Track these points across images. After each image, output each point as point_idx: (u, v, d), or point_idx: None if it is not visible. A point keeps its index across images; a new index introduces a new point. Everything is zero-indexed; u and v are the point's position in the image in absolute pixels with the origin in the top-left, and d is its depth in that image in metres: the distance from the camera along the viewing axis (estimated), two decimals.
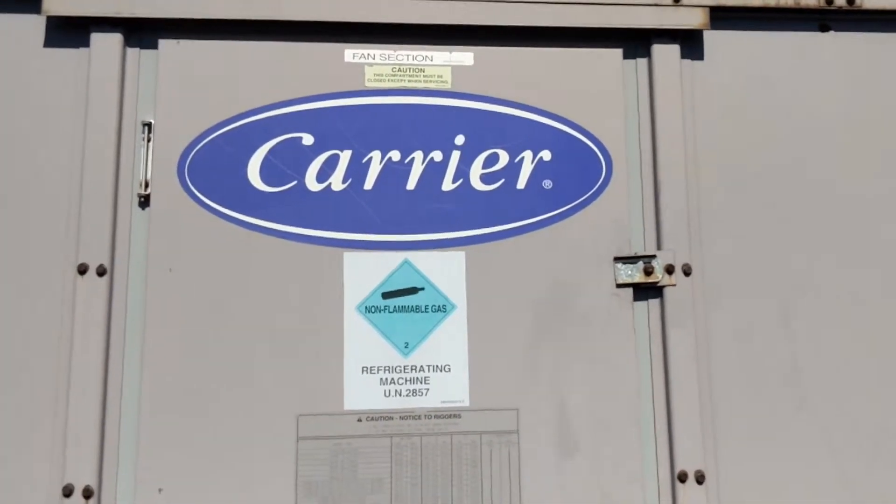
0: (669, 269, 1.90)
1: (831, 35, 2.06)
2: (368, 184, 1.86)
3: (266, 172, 1.84)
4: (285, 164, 1.85)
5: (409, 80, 1.92)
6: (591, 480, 1.79)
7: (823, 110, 2.02)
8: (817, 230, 1.97)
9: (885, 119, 2.03)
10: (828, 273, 1.95)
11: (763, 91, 2.01)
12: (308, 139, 1.87)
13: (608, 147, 1.93)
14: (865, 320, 1.93)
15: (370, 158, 1.88)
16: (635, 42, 2.01)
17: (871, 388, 1.91)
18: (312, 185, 1.85)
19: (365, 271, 1.83)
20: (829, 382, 1.90)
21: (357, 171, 1.87)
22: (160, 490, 1.71)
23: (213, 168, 1.83)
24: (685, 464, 1.81)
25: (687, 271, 1.91)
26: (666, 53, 1.98)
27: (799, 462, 1.86)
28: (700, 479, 1.81)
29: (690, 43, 2.02)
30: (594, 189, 1.92)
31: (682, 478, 1.80)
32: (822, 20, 2.07)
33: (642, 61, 2.00)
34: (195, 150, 1.83)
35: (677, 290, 1.90)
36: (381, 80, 1.92)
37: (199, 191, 1.82)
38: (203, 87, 1.86)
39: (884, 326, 1.93)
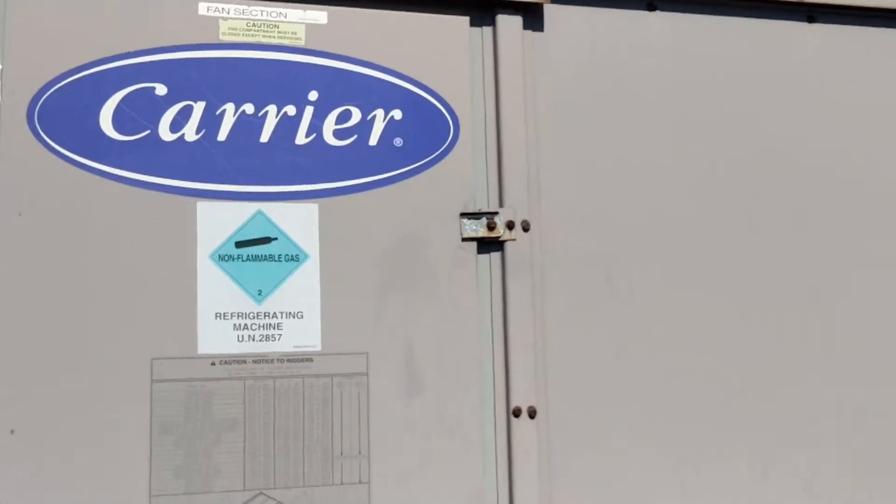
0: (510, 225, 2.18)
1: (657, 14, 2.39)
2: (222, 135, 2.03)
3: (118, 121, 1.97)
4: (138, 113, 1.99)
5: (263, 36, 2.09)
6: (435, 417, 2.05)
7: (650, 84, 2.35)
8: (643, 194, 2.30)
9: (706, 92, 2.38)
10: (650, 232, 2.28)
11: (596, 64, 2.32)
12: (161, 89, 2.01)
13: (455, 109, 2.18)
14: (681, 275, 2.28)
15: (224, 110, 2.04)
16: (482, 12, 2.26)
17: (686, 339, 2.26)
18: (166, 134, 2.00)
19: (218, 221, 2.00)
20: (647, 334, 2.24)
21: (211, 122, 2.03)
22: (12, 431, 1.82)
23: (64, 115, 1.94)
24: (519, 400, 2.10)
25: (526, 227, 2.19)
26: (509, 24, 2.25)
27: (618, 401, 2.20)
28: (532, 414, 2.10)
29: (532, 16, 2.30)
30: (442, 148, 2.16)
31: (517, 413, 2.10)
32: (650, 0, 2.41)
33: (487, 30, 2.26)
34: (46, 96, 1.93)
35: (517, 245, 2.18)
36: (235, 34, 2.08)
37: (49, 137, 1.92)
38: (54, 33, 1.96)
39: (698, 282, 2.29)
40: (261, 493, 1.93)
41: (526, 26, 2.29)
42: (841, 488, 2.31)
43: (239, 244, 2.01)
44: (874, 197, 2.46)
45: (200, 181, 2.00)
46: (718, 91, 2.40)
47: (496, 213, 2.17)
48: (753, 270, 2.34)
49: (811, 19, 2.53)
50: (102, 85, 1.97)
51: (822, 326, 2.36)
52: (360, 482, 1.99)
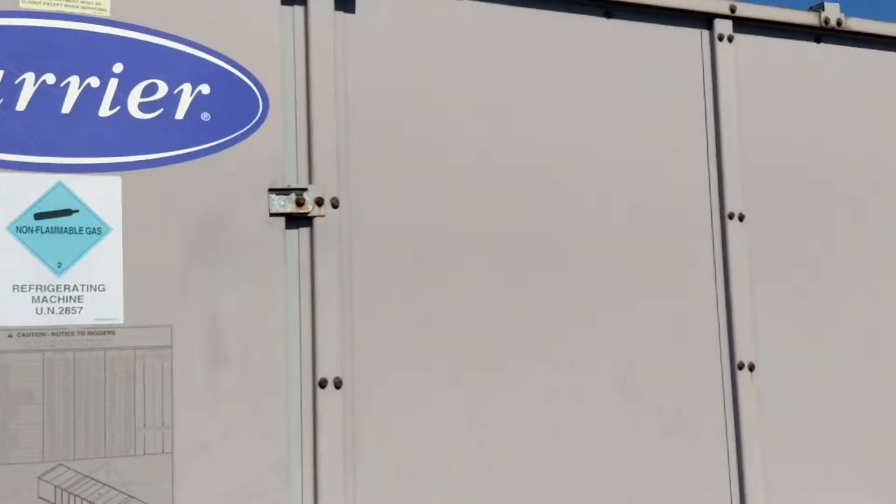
0: (319, 202, 2.32)
1: (465, 3, 2.59)
2: (21, 105, 2.06)
3: None
4: None
5: (65, 5, 2.13)
6: (240, 389, 2.17)
7: (455, 70, 2.54)
8: (449, 173, 2.49)
9: (508, 81, 2.60)
10: (455, 209, 2.48)
11: (405, 48, 2.50)
12: None
13: (265, 86, 2.30)
14: (484, 249, 2.50)
15: (23, 80, 2.07)
16: None
17: (488, 307, 2.48)
18: None
19: (16, 192, 2.03)
20: (453, 304, 2.45)
21: (9, 91, 2.05)
22: None
23: None
24: (325, 372, 2.26)
25: (335, 204, 2.34)
26: (320, 4, 2.38)
27: (424, 370, 2.39)
28: (338, 384, 2.26)
29: None
30: (251, 124, 2.27)
31: (322, 384, 2.25)
32: None
33: (299, 9, 2.39)
34: None
35: (326, 221, 2.33)
36: (35, 3, 2.11)
37: None
38: None
39: (497, 255, 2.51)
40: (60, 464, 1.99)
41: (337, 7, 2.42)
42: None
43: (38, 216, 2.05)
44: (659, 183, 2.76)
45: None
46: (519, 81, 2.62)
47: (305, 190, 2.31)
48: (544, 242, 2.58)
49: (608, 15, 2.80)
50: None
51: (601, 296, 2.64)
52: (162, 452, 2.08)
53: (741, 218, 2.84)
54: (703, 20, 2.92)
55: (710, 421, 2.71)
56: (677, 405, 2.67)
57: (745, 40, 2.97)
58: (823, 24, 3.06)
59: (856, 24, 3.14)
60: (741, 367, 2.75)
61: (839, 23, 3.08)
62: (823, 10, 3.08)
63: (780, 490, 2.76)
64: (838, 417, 2.90)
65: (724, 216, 2.83)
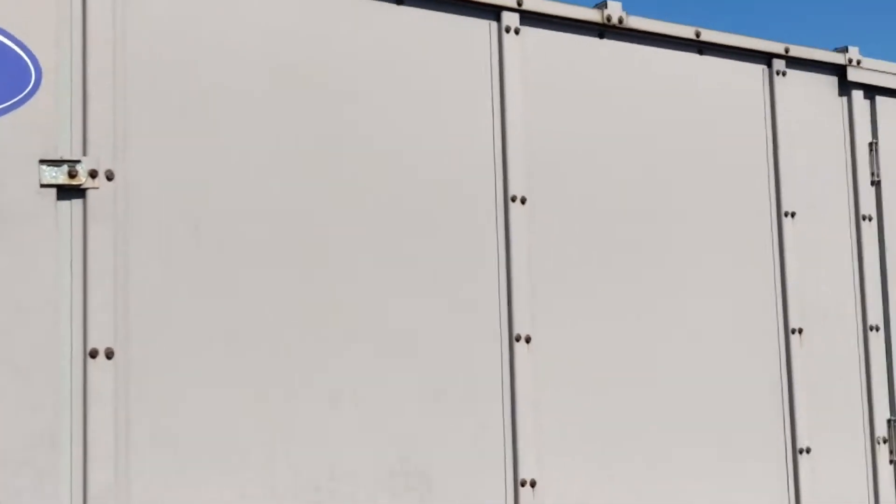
0: (93, 174, 2.36)
1: None
2: None
3: None
4: None
5: None
6: (7, 358, 2.21)
7: (240, 44, 2.63)
8: (232, 150, 2.58)
9: (295, 62, 2.71)
10: (236, 183, 2.57)
11: (187, 20, 2.55)
12: None
13: (38, 56, 2.32)
14: (265, 221, 2.60)
15: None
16: None
17: (261, 281, 2.58)
18: None
19: None
20: (226, 277, 2.52)
21: None
22: None
23: None
24: (96, 342, 2.31)
25: (109, 176, 2.39)
26: None
27: (198, 341, 2.47)
28: (109, 355, 2.32)
29: None
30: (21, 95, 2.30)
31: (93, 354, 2.30)
32: None
33: None
34: None
35: (100, 193, 2.37)
36: None
37: None
38: None
39: (277, 228, 2.61)
40: None
41: None
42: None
43: None
44: (446, 166, 2.93)
45: None
46: (307, 60, 2.73)
47: (78, 162, 2.34)
48: (329, 217, 2.70)
49: (399, 2, 2.94)
50: None
51: (383, 268, 2.78)
52: None
53: (523, 201, 3.04)
54: (492, 12, 3.10)
55: (487, 389, 2.90)
56: (457, 374, 2.85)
57: (531, 33, 3.17)
58: (606, 21, 3.31)
59: (636, 22, 3.40)
60: (518, 339, 2.95)
61: (620, 20, 3.34)
62: (606, 7, 3.32)
63: (551, 456, 2.97)
64: (608, 387, 3.13)
65: (508, 199, 3.02)
